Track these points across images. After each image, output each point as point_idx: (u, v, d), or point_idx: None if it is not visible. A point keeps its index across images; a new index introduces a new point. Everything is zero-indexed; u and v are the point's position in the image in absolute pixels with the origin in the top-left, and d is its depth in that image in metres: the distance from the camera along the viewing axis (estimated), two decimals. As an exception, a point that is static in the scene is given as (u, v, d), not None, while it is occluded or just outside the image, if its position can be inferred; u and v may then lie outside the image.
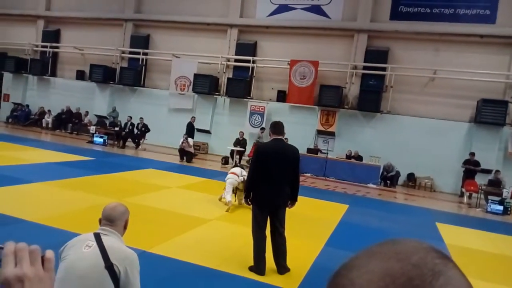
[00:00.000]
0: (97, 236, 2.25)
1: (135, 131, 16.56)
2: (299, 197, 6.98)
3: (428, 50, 15.13)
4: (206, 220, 6.57)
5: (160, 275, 4.22)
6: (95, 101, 19.53)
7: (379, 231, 7.31)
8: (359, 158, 14.82)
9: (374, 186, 13.73)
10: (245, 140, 15.12)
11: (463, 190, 13.05)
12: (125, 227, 2.46)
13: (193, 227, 6.05)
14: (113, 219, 2.36)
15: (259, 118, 16.76)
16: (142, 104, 18.61)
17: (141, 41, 19.10)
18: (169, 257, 4.72)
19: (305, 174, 14.50)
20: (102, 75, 18.97)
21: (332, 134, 15.99)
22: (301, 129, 15.89)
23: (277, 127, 4.63)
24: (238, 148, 14.63)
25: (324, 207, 9.06)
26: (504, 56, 14.42)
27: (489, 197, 11.73)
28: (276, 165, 4.46)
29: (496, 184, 12.01)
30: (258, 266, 4.55)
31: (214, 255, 4.99)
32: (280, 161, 4.48)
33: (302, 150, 15.10)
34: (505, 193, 11.47)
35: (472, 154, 13.31)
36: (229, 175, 7.82)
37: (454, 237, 7.54)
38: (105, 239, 2.23)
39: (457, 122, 14.49)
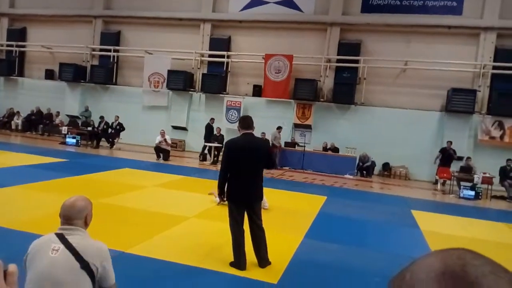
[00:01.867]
0: (61, 237, 2.12)
1: (110, 130, 16.20)
2: (277, 191, 7.00)
3: (400, 42, 15.43)
4: (185, 218, 6.50)
5: (140, 276, 4.16)
6: (66, 101, 18.98)
7: (356, 220, 7.44)
8: (336, 150, 15.02)
9: (351, 177, 13.94)
10: (222, 136, 15.04)
11: (437, 177, 13.41)
12: (86, 223, 2.27)
13: (171, 226, 5.98)
14: (72, 218, 2.19)
15: (236, 113, 16.70)
16: (115, 102, 18.21)
17: (112, 38, 18.65)
18: (149, 257, 4.65)
19: (283, 168, 14.59)
20: (72, 73, 18.44)
21: (308, 127, 16.12)
22: (278, 123, 15.92)
23: (245, 122, 4.63)
24: (216, 144, 14.54)
25: (302, 200, 9.13)
26: (471, 46, 14.86)
27: (461, 183, 12.11)
28: (248, 160, 4.47)
29: (467, 171, 12.41)
30: (239, 261, 4.55)
31: (194, 253, 4.95)
32: (252, 155, 4.48)
33: (281, 144, 15.22)
34: (476, 179, 11.86)
35: (450, 142, 13.47)
36: None
37: (429, 223, 7.74)
38: (71, 239, 2.11)
39: (428, 112, 14.86)
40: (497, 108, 14.06)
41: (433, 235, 6.76)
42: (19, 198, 6.75)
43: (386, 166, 15.15)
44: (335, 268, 4.95)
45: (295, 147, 15.29)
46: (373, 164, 14.76)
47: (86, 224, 2.26)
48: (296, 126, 16.29)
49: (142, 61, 17.87)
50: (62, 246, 2.07)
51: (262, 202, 7.05)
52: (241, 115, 16.46)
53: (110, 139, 16.05)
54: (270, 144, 14.10)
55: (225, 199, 4.64)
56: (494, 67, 14.40)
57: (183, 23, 17.73)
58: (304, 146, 14.95)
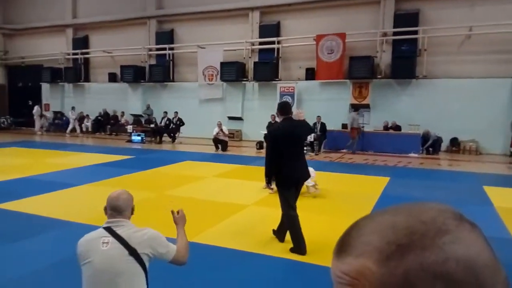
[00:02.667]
0: (109, 230, 2.23)
1: (171, 125, 16.90)
2: (336, 174, 6.86)
3: (462, 6, 14.20)
4: (245, 206, 6.61)
5: (205, 263, 4.30)
6: (129, 101, 20.07)
7: (421, 200, 7.06)
8: (398, 128, 14.34)
9: (416, 155, 13.26)
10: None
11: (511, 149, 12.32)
12: (132, 213, 2.39)
13: (232, 214, 6.12)
14: (120, 209, 2.30)
15: (290, 99, 16.52)
16: (173, 98, 18.92)
17: (165, 37, 19.31)
18: (212, 245, 4.79)
19: (342, 151, 14.25)
20: (133, 75, 19.41)
21: (367, 106, 15.52)
22: (334, 105, 15.59)
23: (285, 107, 4.80)
24: (272, 131, 14.53)
25: (363, 182, 8.86)
26: (547, 2, 13.29)
27: (542, 154, 11.00)
28: (295, 143, 4.66)
29: (549, 140, 11.23)
30: (299, 246, 4.56)
31: (255, 240, 5.02)
32: (297, 138, 4.71)
33: (337, 126, 14.87)
34: (560, 148, 10.70)
35: None
36: None
37: (504, 199, 7.15)
38: (118, 230, 2.22)
39: (500, 79, 13.60)
40: None
41: (509, 212, 6.23)
42: (91, 196, 7.28)
43: (454, 142, 14.18)
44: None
45: (353, 129, 14.81)
46: (440, 140, 13.89)
47: (132, 213, 2.38)
48: (353, 106, 15.77)
49: (196, 56, 18.30)
50: (111, 238, 2.18)
51: (314, 185, 7.01)
52: (295, 100, 16.31)
53: (172, 134, 16.74)
54: (349, 128, 14.01)
55: (272, 186, 4.66)
56: None
57: (232, 14, 17.84)
58: (363, 127, 14.45)
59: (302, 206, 6.63)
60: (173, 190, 7.71)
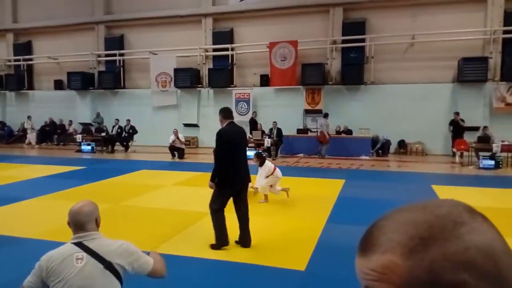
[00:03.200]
0: (80, 245, 2.14)
1: (123, 133, 16.37)
2: (294, 178, 7.00)
3: (405, 16, 15.10)
4: (206, 213, 6.54)
5: (171, 274, 4.20)
6: (77, 109, 19.22)
7: (377, 201, 7.38)
8: (349, 132, 14.89)
9: (367, 157, 13.84)
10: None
11: (454, 150, 13.22)
12: (97, 225, 2.27)
13: (194, 222, 6.04)
14: (82, 224, 2.18)
15: (245, 105, 16.68)
16: (125, 106, 18.37)
17: (115, 42, 18.74)
18: (176, 255, 4.70)
19: (297, 155, 14.56)
20: (81, 82, 18.64)
21: (319, 111, 15.98)
22: (288, 111, 15.90)
23: (228, 112, 5.03)
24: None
25: (320, 185, 9.11)
26: (479, 13, 14.47)
27: (480, 153, 11.92)
28: (240, 145, 4.94)
29: (485, 140, 12.19)
30: (223, 242, 4.81)
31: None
32: (242, 141, 5.02)
33: (292, 131, 15.17)
34: (495, 147, 11.66)
35: (457, 113, 13.49)
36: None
37: (451, 197, 7.59)
38: (89, 244, 2.13)
39: (440, 84, 14.59)
40: (511, 73, 13.71)
41: (456, 209, 6.67)
42: (39, 210, 6.88)
43: (402, 144, 14.98)
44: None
45: (307, 133, 15.20)
46: (388, 142, 14.61)
47: (98, 225, 2.27)
48: (307, 112, 16.18)
49: (148, 62, 17.93)
50: (84, 254, 2.10)
51: (284, 189, 7.16)
52: (251, 106, 16.46)
53: (125, 143, 16.22)
54: (318, 134, 14.28)
55: (215, 185, 4.81)
56: (505, 32, 14.02)
57: (184, 20, 17.69)
58: (317, 131, 14.85)
59: (263, 210, 6.72)
60: (130, 201, 7.47)
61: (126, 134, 16.34)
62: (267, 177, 7.29)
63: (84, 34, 19.23)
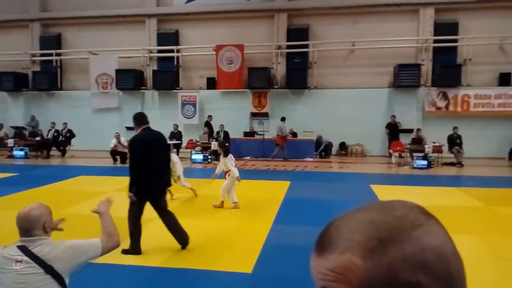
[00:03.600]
0: (23, 248, 2.06)
1: (60, 138, 15.47)
2: (242, 181, 7.04)
3: (346, 23, 15.80)
4: (151, 219, 6.37)
5: (112, 284, 4.04)
6: (9, 112, 17.88)
7: (321, 201, 7.63)
8: (294, 134, 15.25)
9: (311, 159, 14.25)
10: (180, 132, 14.82)
11: (390, 151, 14.01)
12: (46, 231, 2.17)
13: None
14: (30, 229, 2.10)
15: (192, 108, 16.49)
16: (62, 108, 17.38)
17: (52, 42, 17.71)
18: (116, 264, 4.53)
19: (244, 158, 14.64)
20: (13, 82, 17.38)
21: (266, 115, 16.23)
22: (235, 114, 15.95)
23: (141, 118, 4.86)
24: (174, 142, 14.30)
25: (267, 187, 9.22)
26: (413, 23, 15.52)
27: (414, 154, 12.73)
28: (158, 151, 4.77)
29: (418, 142, 13.05)
30: (137, 248, 4.78)
31: (163, 253, 4.88)
32: (160, 147, 4.86)
33: (239, 134, 15.23)
34: (427, 148, 12.51)
35: (393, 116, 14.35)
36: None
37: (387, 195, 8.08)
38: (33, 249, 2.08)
39: (378, 89, 15.43)
40: (440, 79, 14.83)
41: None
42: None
43: (343, 146, 15.61)
44: (306, 249, 5.03)
45: (254, 136, 15.35)
46: (331, 145, 15.16)
47: (46, 232, 2.17)
48: (253, 115, 16.34)
49: (87, 63, 17.14)
50: (25, 257, 2.05)
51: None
52: (197, 109, 16.30)
53: (61, 147, 15.34)
54: (277, 135, 14.26)
55: (131, 194, 4.67)
56: (435, 41, 15.14)
57: (127, 20, 17.15)
58: (263, 134, 15.05)
59: (209, 214, 6.66)
60: (69, 208, 7.07)
61: (63, 138, 15.47)
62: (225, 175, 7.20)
63: (17, 32, 17.98)
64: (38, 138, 15.40)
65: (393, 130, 14.30)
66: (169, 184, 5.04)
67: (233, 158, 7.36)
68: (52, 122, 15.74)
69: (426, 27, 15.22)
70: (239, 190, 7.98)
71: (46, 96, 17.77)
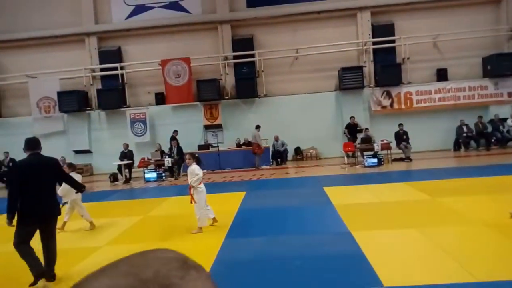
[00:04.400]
0: None
1: (1, 168, 14.51)
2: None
3: (287, 31, 16.12)
4: (97, 247, 6.05)
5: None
6: None
7: (275, 209, 7.60)
8: (249, 144, 15.23)
9: (267, 167, 14.27)
10: (131, 151, 14.36)
11: (343, 152, 14.33)
12: None
13: (82, 259, 5.51)
14: None
15: (142, 125, 16.08)
16: (3, 136, 16.36)
17: (-16, 67, 16.65)
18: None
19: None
20: None
21: (219, 126, 16.12)
22: (188, 128, 15.72)
23: (30, 143, 4.80)
24: (125, 162, 13.83)
25: (221, 200, 9.06)
26: (352, 27, 16.09)
27: (364, 153, 13.10)
28: (40, 178, 4.64)
29: (367, 141, 13.44)
30: (42, 275, 4.62)
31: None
32: (43, 173, 4.69)
33: (193, 148, 15.00)
34: (376, 147, 12.91)
35: (353, 117, 14.70)
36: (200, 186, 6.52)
37: (340, 197, 8.21)
38: None
39: (325, 93, 15.80)
40: (382, 79, 15.43)
41: (344, 208, 7.18)
42: None
43: (298, 150, 15.79)
44: (258, 261, 4.97)
45: (209, 149, 15.18)
46: (286, 150, 15.28)
47: None
48: (206, 127, 16.18)
49: (27, 87, 16.27)
50: None
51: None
52: (148, 126, 15.90)
53: (4, 178, 14.38)
54: (252, 143, 14.15)
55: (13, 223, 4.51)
56: (374, 43, 15.76)
57: (65, 40, 16.51)
58: (218, 146, 14.92)
59: (160, 235, 6.40)
60: (6, 245, 6.56)
61: (5, 169, 14.51)
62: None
63: None
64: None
65: (353, 130, 14.60)
66: (53, 212, 4.79)
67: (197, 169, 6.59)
68: (6, 152, 14.76)
69: (365, 30, 15.82)
70: (190, 207, 7.79)
71: (-17, 125, 16.66)
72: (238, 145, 15.34)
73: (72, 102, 15.95)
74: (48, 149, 16.00)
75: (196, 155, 6.95)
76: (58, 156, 13.34)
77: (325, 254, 4.96)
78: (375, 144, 12.98)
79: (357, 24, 15.92)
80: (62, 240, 6.68)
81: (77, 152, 16.35)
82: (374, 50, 15.83)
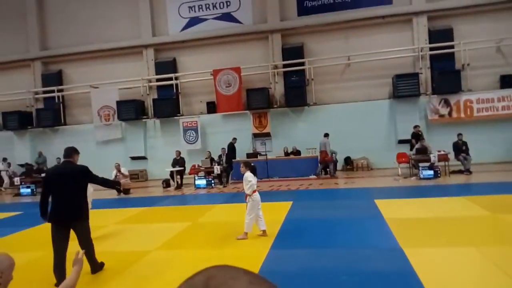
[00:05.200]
0: None
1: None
2: (240, 205, 6.88)
3: (339, 38, 15.87)
4: (147, 252, 6.26)
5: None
6: (15, 150, 18.14)
7: (322, 221, 7.45)
8: (298, 152, 15.12)
9: (315, 177, 14.06)
10: (183, 158, 14.79)
11: (396, 163, 13.75)
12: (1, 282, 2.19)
13: (132, 263, 5.73)
14: None
15: (194, 133, 16.54)
16: (67, 143, 17.16)
17: (53, 78, 18.09)
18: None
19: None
20: (18, 121, 17.71)
21: (267, 135, 16.19)
22: (237, 136, 15.88)
23: (64, 152, 5.37)
24: (177, 168, 14.29)
25: (267, 209, 8.97)
26: (407, 32, 15.51)
27: (420, 164, 12.48)
28: (63, 185, 5.04)
29: (423, 151, 12.79)
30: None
31: (159, 287, 4.75)
32: (66, 180, 5.06)
33: (242, 156, 15.16)
34: (432, 158, 12.25)
35: (417, 126, 13.59)
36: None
37: (392, 210, 7.87)
38: None
39: (378, 101, 15.31)
40: (440, 87, 14.68)
41: (396, 222, 6.86)
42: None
43: (348, 160, 15.41)
44: (303, 274, 4.88)
45: (257, 157, 15.26)
46: (335, 160, 14.97)
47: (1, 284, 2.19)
48: (255, 136, 16.31)
49: (89, 96, 17.41)
50: None
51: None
52: (199, 134, 16.33)
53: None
54: (320, 152, 14.03)
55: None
56: (431, 49, 15.06)
57: (125, 52, 17.47)
58: (266, 155, 14.96)
59: (202, 242, 6.49)
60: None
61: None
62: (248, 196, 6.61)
63: (19, 71, 18.44)
64: (43, 175, 15.49)
65: (417, 139, 13.79)
66: (74, 215, 5.12)
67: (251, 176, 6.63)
68: (58, 158, 15.88)
69: (421, 35, 15.18)
70: (237, 215, 7.84)
71: (51, 132, 18.03)
72: (286, 153, 15.27)
73: (130, 110, 16.81)
74: (107, 155, 17.11)
75: (252, 164, 7.07)
76: (118, 161, 14.13)
77: (374, 270, 4.76)
78: (431, 155, 12.33)
79: (413, 29, 15.32)
80: (113, 243, 7.02)
81: (133, 158, 17.16)
82: (431, 56, 15.13)
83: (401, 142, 14.79)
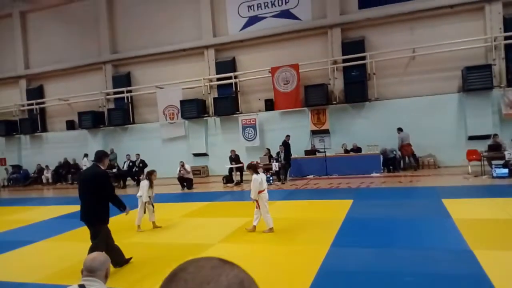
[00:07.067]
0: (82, 287, 2.47)
1: (134, 168, 16.59)
2: (299, 202, 6.91)
3: (403, 30, 15.19)
4: (211, 245, 6.51)
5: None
6: (89, 148, 19.57)
7: (385, 220, 7.23)
8: (358, 149, 14.75)
9: (378, 174, 13.64)
10: (238, 156, 14.96)
11: (466, 160, 12.90)
12: (106, 276, 2.64)
13: (196, 255, 5.98)
14: (94, 270, 2.56)
15: (252, 130, 16.78)
16: (135, 140, 18.70)
17: (122, 80, 19.29)
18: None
19: (307, 177, 14.44)
20: (91, 120, 19.11)
21: (326, 131, 15.96)
22: (295, 133, 15.86)
23: (94, 155, 5.61)
24: (236, 165, 14.59)
25: (327, 207, 8.97)
26: (478, 21, 14.45)
27: (493, 162, 11.62)
28: (83, 187, 5.41)
29: (496, 148, 11.90)
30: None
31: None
32: (85, 184, 5.41)
33: (300, 153, 15.13)
34: (507, 155, 11.36)
35: (495, 135, 12.43)
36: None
37: (461, 210, 7.44)
38: (89, 287, 2.48)
39: (446, 95, 14.45)
40: (517, 78, 13.51)
41: (466, 223, 6.48)
42: (49, 252, 6.95)
43: (413, 158, 14.72)
44: (364, 273, 4.80)
45: (316, 154, 15.13)
46: (399, 158, 14.40)
47: (106, 277, 2.62)
48: (313, 132, 16.17)
49: (155, 96, 18.33)
50: None
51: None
52: (257, 131, 16.53)
53: (136, 177, 16.40)
54: (398, 147, 14.14)
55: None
56: (506, 38, 13.92)
57: (187, 53, 18.15)
58: (325, 152, 14.77)
59: (261, 237, 6.61)
60: (135, 237, 7.49)
61: (136, 169, 16.55)
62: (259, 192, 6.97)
63: (93, 74, 19.88)
64: (114, 170, 16.66)
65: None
66: (86, 219, 5.41)
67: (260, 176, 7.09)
68: (127, 154, 16.96)
69: (494, 24, 14.06)
70: (298, 212, 7.86)
71: (121, 130, 19.26)
72: (346, 150, 14.95)
73: (192, 109, 17.46)
74: (171, 152, 17.89)
75: (253, 164, 7.71)
76: (181, 158, 14.75)
77: (441, 272, 4.56)
78: (506, 152, 11.43)
79: (485, 17, 14.23)
80: (179, 235, 7.37)
81: (195, 155, 17.82)
82: (507, 46, 13.96)
83: (471, 138, 13.85)
